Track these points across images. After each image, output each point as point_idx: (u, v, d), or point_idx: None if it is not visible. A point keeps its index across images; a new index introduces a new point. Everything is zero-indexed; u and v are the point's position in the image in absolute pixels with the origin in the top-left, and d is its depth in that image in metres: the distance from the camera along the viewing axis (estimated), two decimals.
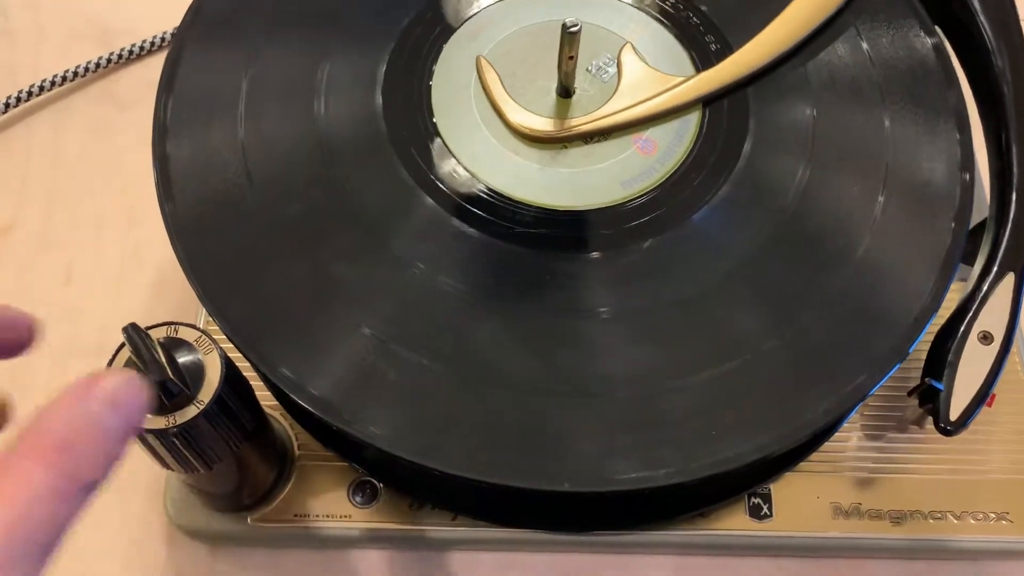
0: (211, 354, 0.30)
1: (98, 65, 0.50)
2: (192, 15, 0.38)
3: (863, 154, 0.36)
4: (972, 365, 0.35)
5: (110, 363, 0.29)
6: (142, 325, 0.28)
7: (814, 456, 0.38)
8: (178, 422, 0.29)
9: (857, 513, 0.37)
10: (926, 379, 0.35)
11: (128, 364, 0.28)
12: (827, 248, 0.35)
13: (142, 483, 0.39)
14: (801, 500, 0.37)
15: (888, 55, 0.38)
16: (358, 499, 0.37)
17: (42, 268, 0.45)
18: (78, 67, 0.50)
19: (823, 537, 0.37)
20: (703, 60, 0.38)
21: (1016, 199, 0.37)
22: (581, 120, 0.36)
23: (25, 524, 0.20)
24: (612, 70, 0.38)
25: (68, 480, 0.21)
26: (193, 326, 0.30)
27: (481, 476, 0.30)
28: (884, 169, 0.36)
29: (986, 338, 0.35)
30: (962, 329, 0.35)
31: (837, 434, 0.38)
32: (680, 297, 0.33)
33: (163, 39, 0.51)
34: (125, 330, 0.27)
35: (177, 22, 0.38)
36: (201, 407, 0.29)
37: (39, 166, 0.48)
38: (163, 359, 0.27)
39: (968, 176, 0.36)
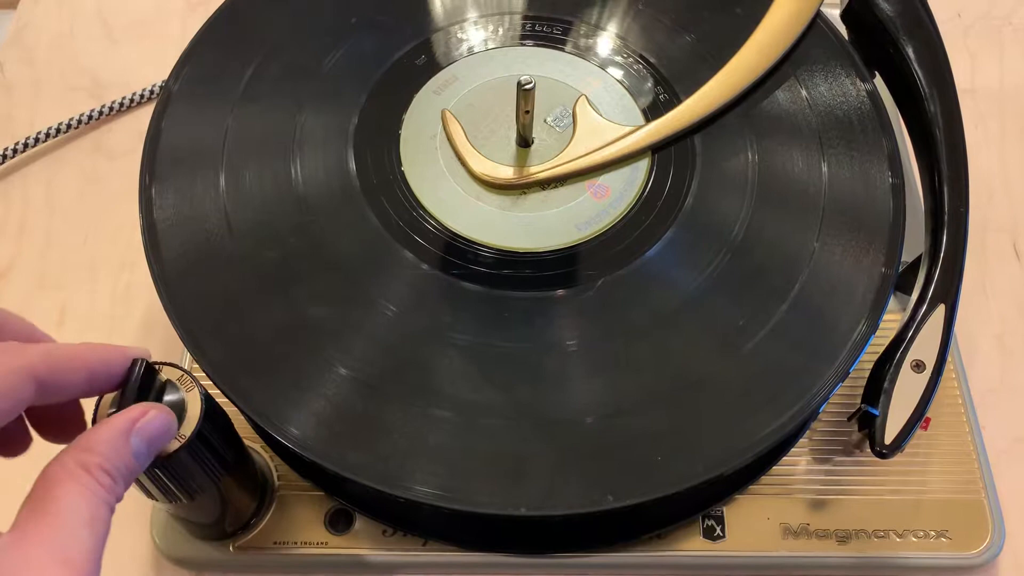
0: (192, 391, 0.32)
1: (91, 117, 0.53)
2: (177, 72, 0.41)
3: (802, 195, 0.39)
4: (906, 392, 0.37)
5: (98, 401, 0.32)
6: None
7: (764, 479, 0.40)
8: (161, 455, 0.31)
9: (805, 533, 0.39)
10: (863, 405, 0.37)
11: (113, 400, 0.31)
12: (769, 282, 0.37)
13: (129, 513, 0.41)
14: (752, 521, 0.39)
15: (826, 102, 0.41)
16: (334, 527, 0.39)
17: (37, 309, 0.48)
18: (71, 119, 0.52)
19: (773, 556, 0.39)
20: (652, 110, 0.41)
21: (947, 236, 0.40)
22: (539, 168, 0.39)
23: (80, 536, 0.24)
24: (568, 121, 0.41)
25: (112, 498, 0.26)
26: (176, 365, 0.32)
27: (443, 503, 0.32)
28: (821, 209, 0.38)
29: (919, 366, 0.37)
30: (896, 358, 0.37)
31: (786, 458, 0.40)
32: (630, 331, 0.36)
33: (152, 91, 0.54)
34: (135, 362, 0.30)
35: (165, 75, 0.41)
36: (183, 441, 0.31)
37: (35, 213, 0.51)
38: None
39: (900, 213, 0.38)
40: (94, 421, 0.31)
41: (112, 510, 0.25)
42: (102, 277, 0.49)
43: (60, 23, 0.58)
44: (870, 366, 0.38)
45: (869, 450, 0.38)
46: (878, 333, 0.36)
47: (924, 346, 0.38)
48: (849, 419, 0.39)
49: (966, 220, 0.40)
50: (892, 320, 0.40)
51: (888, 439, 0.36)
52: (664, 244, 0.38)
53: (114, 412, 0.30)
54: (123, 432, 0.27)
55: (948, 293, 0.39)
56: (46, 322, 0.47)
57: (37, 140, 0.52)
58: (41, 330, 0.29)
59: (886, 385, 0.37)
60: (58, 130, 0.52)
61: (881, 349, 0.38)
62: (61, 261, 0.49)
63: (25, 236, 0.50)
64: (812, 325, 0.36)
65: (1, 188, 0.52)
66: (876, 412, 0.37)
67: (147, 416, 0.27)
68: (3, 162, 0.51)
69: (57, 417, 0.30)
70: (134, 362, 0.30)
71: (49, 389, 0.27)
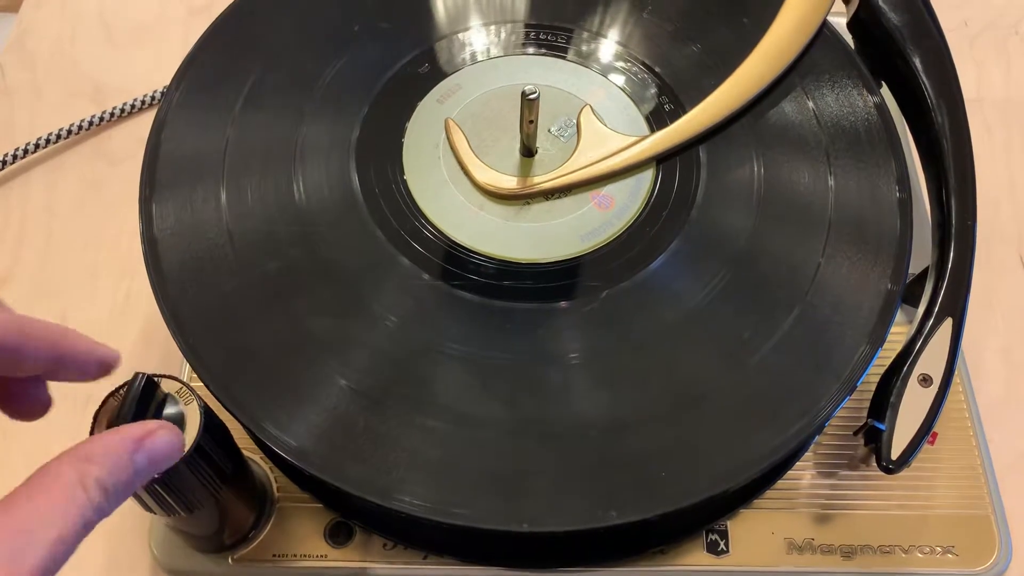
0: (191, 404, 0.32)
1: (91, 123, 0.53)
2: (178, 80, 0.40)
3: (808, 208, 0.39)
4: (913, 406, 0.37)
5: (97, 414, 0.31)
6: (130, 374, 0.30)
7: (769, 493, 0.39)
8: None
9: (810, 548, 0.39)
10: (869, 420, 0.37)
11: (112, 414, 0.30)
12: (774, 296, 0.37)
13: (128, 525, 0.41)
14: (756, 536, 0.39)
15: (833, 114, 0.41)
16: (334, 540, 0.39)
17: (36, 316, 0.47)
18: (72, 125, 0.52)
19: (777, 571, 0.38)
20: (657, 120, 0.41)
21: (954, 249, 0.39)
22: (542, 178, 0.39)
23: (57, 545, 0.22)
24: (572, 130, 0.40)
25: (96, 517, 0.24)
26: (174, 378, 0.32)
27: (443, 518, 0.32)
28: (828, 222, 0.38)
29: (925, 380, 0.37)
30: (903, 372, 0.37)
31: (791, 472, 0.40)
32: (634, 343, 0.36)
33: (153, 97, 0.54)
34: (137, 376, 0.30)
35: (167, 80, 0.40)
36: (181, 455, 0.31)
37: (35, 219, 0.51)
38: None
39: (906, 230, 0.38)
40: (92, 429, 0.31)
41: (91, 528, 0.24)
42: (102, 284, 0.48)
43: (62, 28, 0.58)
44: (876, 379, 0.38)
45: (875, 465, 0.37)
46: (885, 346, 0.36)
47: (931, 360, 0.37)
48: (855, 433, 0.38)
49: (974, 233, 0.40)
50: (899, 332, 0.39)
51: (895, 454, 0.36)
52: (668, 256, 0.37)
53: (114, 422, 0.30)
54: (130, 447, 0.26)
55: (955, 307, 0.38)
56: None
57: (38, 146, 0.52)
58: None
59: (892, 399, 0.37)
60: (59, 136, 0.52)
61: (888, 362, 0.38)
62: (61, 268, 0.49)
63: (25, 242, 0.50)
64: (817, 339, 0.36)
65: (1, 194, 0.51)
66: (883, 427, 0.36)
67: (156, 434, 0.27)
68: (3, 168, 0.51)
69: (20, 392, 0.30)
70: (135, 375, 0.30)
71: (9, 354, 0.26)
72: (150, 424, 0.27)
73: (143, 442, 0.26)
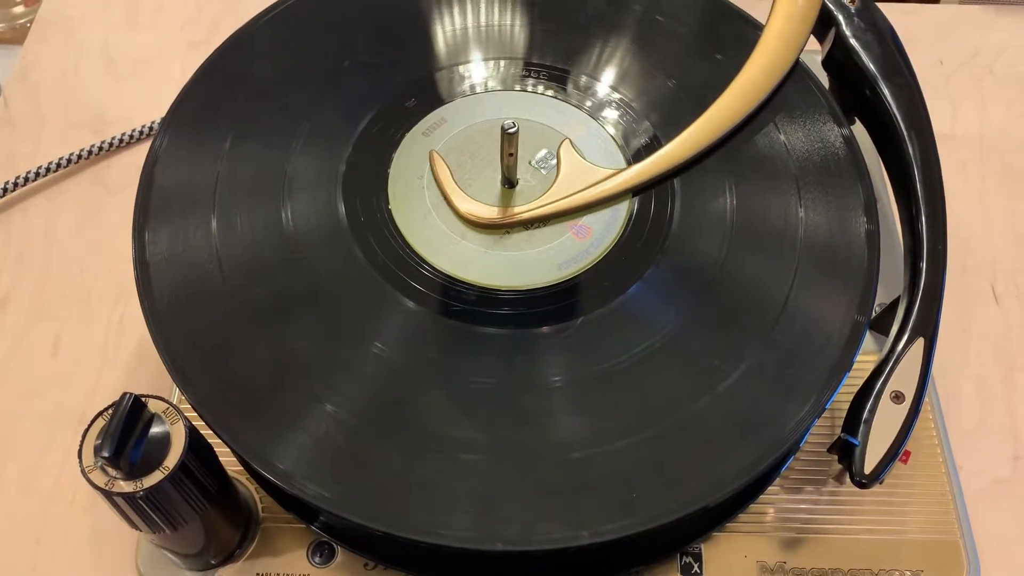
0: (177, 424, 0.33)
1: (91, 152, 0.54)
2: (172, 113, 0.42)
3: (779, 238, 0.40)
4: (886, 423, 0.38)
5: (85, 432, 0.32)
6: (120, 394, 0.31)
7: (742, 517, 0.40)
8: (145, 486, 0.32)
9: (782, 571, 0.40)
10: (842, 435, 0.38)
11: (100, 432, 0.32)
12: (745, 323, 0.38)
13: (114, 541, 0.42)
14: (729, 559, 0.40)
15: (804, 147, 0.42)
16: (316, 559, 0.40)
17: (31, 341, 0.49)
18: (72, 154, 0.54)
19: None
20: (634, 154, 0.42)
21: (926, 270, 0.40)
22: (522, 209, 0.40)
23: None
24: (552, 163, 0.42)
25: None
26: (161, 399, 0.33)
27: (420, 537, 0.33)
28: (797, 253, 0.39)
29: (898, 397, 0.38)
30: (876, 389, 0.38)
31: (763, 495, 0.41)
32: (608, 369, 0.37)
33: (151, 127, 0.56)
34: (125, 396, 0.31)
35: (165, 111, 0.42)
36: (166, 473, 0.32)
37: (34, 245, 0.52)
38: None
39: (874, 258, 0.39)
40: (80, 450, 0.32)
41: None
42: (97, 309, 0.50)
43: (65, 61, 0.60)
44: (847, 404, 0.39)
45: (849, 482, 0.38)
46: (858, 367, 0.37)
47: (903, 378, 0.38)
48: (829, 449, 0.39)
49: (944, 257, 0.41)
50: (867, 360, 0.41)
51: (867, 468, 0.37)
52: (643, 284, 0.38)
53: (100, 443, 0.31)
54: None
55: (927, 327, 0.39)
56: (40, 354, 0.48)
57: (39, 174, 0.53)
58: None
59: (866, 415, 0.37)
60: (59, 164, 0.54)
61: (860, 383, 0.39)
62: (58, 293, 0.50)
63: (23, 267, 0.51)
64: (787, 366, 0.37)
65: (2, 219, 0.53)
66: (856, 441, 0.37)
67: None
68: (4, 195, 0.53)
69: None
70: (123, 395, 0.31)
71: None
72: None
73: None
